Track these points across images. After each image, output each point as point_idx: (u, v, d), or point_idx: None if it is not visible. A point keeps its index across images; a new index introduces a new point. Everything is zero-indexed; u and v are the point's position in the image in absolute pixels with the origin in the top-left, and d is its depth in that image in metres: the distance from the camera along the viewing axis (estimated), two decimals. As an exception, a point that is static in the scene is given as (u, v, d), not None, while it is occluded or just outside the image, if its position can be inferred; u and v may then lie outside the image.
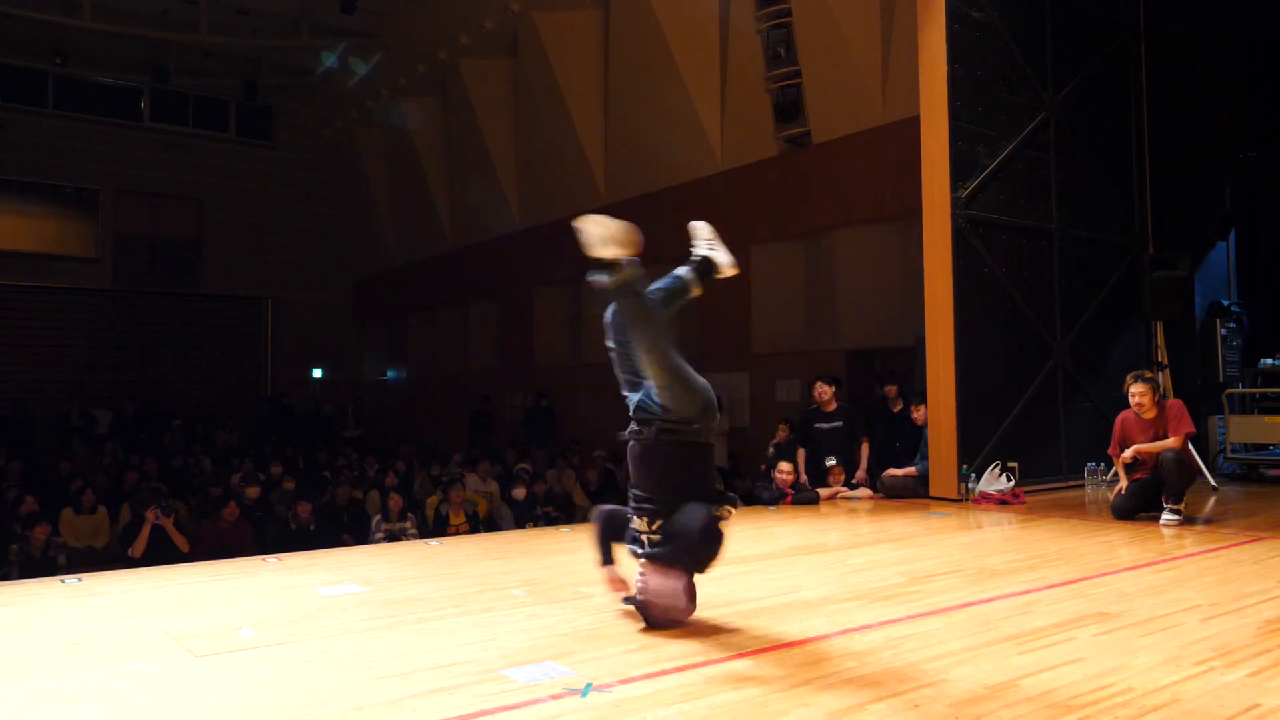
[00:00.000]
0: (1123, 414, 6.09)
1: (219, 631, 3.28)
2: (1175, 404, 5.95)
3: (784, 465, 7.19)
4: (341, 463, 12.04)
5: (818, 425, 7.64)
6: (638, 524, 3.19)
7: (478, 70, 15.35)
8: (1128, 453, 5.93)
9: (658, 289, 3.52)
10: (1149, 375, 6.02)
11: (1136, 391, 5.91)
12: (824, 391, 7.62)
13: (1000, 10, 7.68)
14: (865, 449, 7.63)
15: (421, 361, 19.17)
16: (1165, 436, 5.81)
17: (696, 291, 3.66)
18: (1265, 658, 2.82)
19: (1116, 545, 5.01)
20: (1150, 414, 5.91)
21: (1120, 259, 8.74)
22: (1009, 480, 7.00)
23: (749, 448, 10.88)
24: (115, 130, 17.97)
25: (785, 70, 10.66)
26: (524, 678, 2.65)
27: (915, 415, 7.56)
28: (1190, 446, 6.09)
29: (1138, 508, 5.92)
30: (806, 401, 8.27)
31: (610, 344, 3.45)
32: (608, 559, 3.44)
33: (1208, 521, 5.94)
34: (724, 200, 11.80)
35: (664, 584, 3.15)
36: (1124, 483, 6.03)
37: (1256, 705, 2.42)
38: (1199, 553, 4.74)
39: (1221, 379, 8.90)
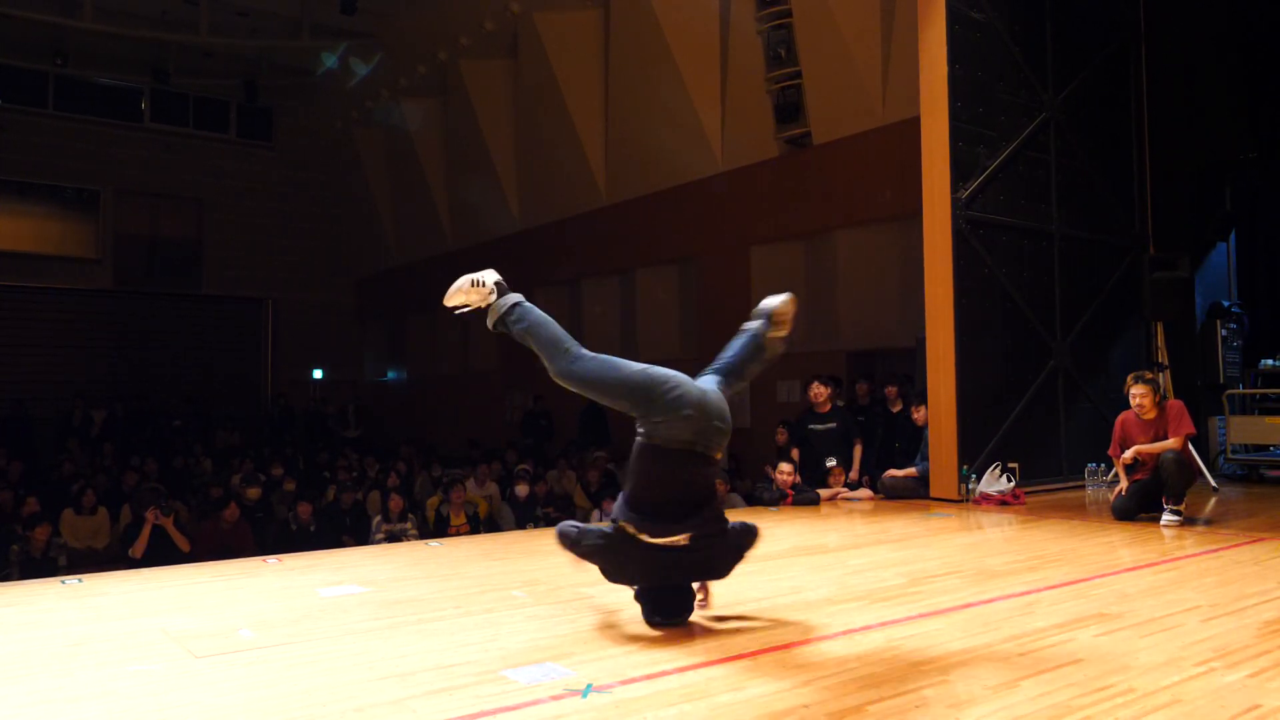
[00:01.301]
0: (1123, 415, 6.09)
1: (220, 632, 3.28)
2: (1176, 405, 5.94)
3: (785, 466, 7.18)
4: (341, 463, 12.04)
5: (812, 426, 7.65)
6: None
7: (478, 70, 15.34)
8: (1128, 453, 5.93)
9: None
10: (1149, 376, 6.02)
11: (1137, 392, 5.91)
12: (820, 392, 7.62)
13: (1000, 10, 7.68)
14: (859, 450, 7.63)
15: (421, 361, 19.16)
16: (1165, 437, 5.81)
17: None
18: (1266, 658, 2.82)
19: (1117, 546, 5.01)
20: (1150, 415, 5.91)
21: (1120, 259, 8.73)
22: (1009, 481, 7.00)
23: (749, 448, 10.88)
24: (115, 130, 17.94)
25: (786, 71, 10.66)
26: (524, 678, 2.66)
27: (915, 416, 7.56)
28: (1190, 447, 6.09)
29: (1138, 508, 5.92)
30: (806, 401, 8.30)
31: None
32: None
33: (1208, 522, 5.94)
34: (724, 200, 11.81)
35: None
36: (1124, 483, 6.03)
37: (1257, 706, 2.42)
38: (1199, 553, 4.74)
39: (1222, 380, 8.90)
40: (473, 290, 3.37)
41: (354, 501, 9.30)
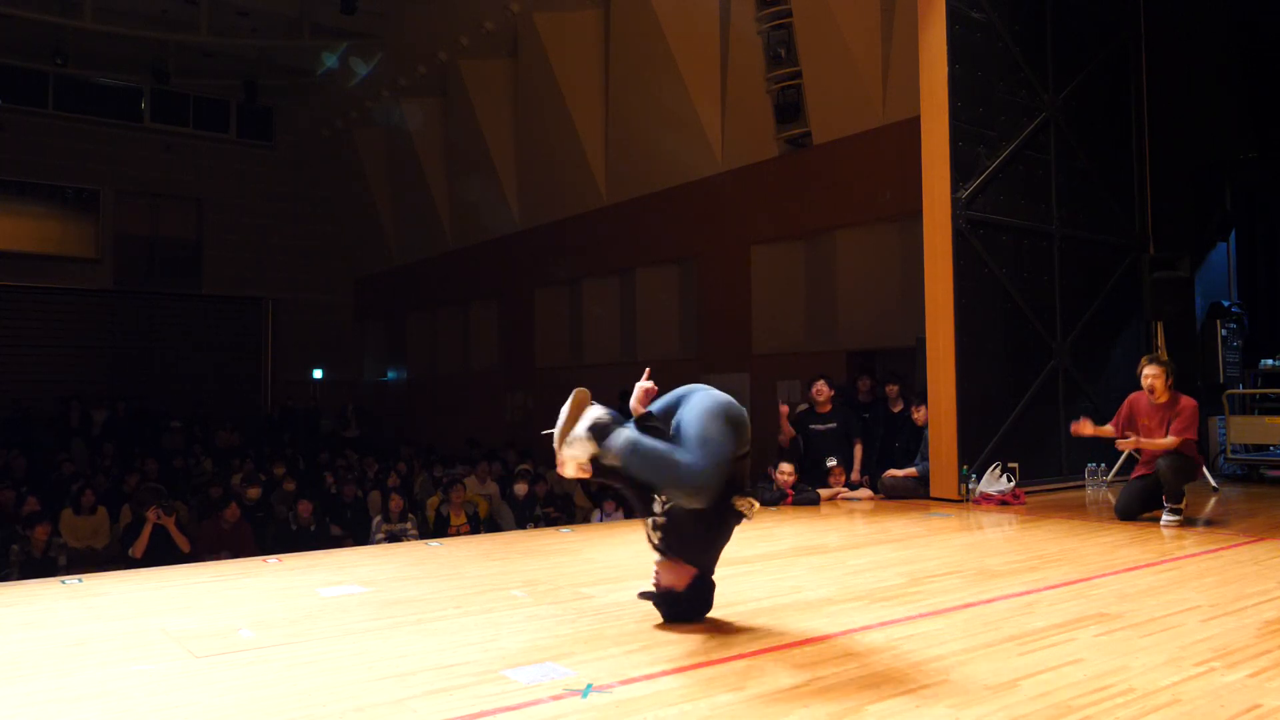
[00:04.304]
0: (1134, 394, 5.96)
1: (219, 632, 3.28)
2: (1190, 404, 5.81)
3: (785, 466, 7.18)
4: (341, 464, 12.04)
5: (813, 426, 7.65)
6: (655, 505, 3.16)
7: (478, 70, 15.34)
8: (1125, 443, 5.87)
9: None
10: (1164, 359, 5.88)
11: (1150, 373, 5.77)
12: (823, 391, 7.62)
13: (1000, 10, 7.68)
14: (859, 450, 7.63)
15: (421, 361, 19.18)
16: (1179, 419, 5.70)
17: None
18: (1266, 658, 2.82)
19: (1117, 546, 5.01)
20: (1162, 399, 5.79)
21: (1120, 259, 8.74)
22: (1009, 481, 7.00)
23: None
24: (115, 130, 17.94)
25: (786, 71, 10.66)
26: (524, 678, 2.66)
27: (915, 416, 7.56)
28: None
29: (1141, 508, 5.90)
30: (807, 399, 8.30)
31: None
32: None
33: (1208, 522, 5.94)
34: (724, 200, 11.82)
35: (675, 578, 3.23)
36: (1121, 443, 5.98)
37: (1257, 706, 2.42)
38: (1199, 553, 4.74)
39: (1222, 380, 8.91)
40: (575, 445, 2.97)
41: (355, 496, 9.32)
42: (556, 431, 2.99)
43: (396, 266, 19.44)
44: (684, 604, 3.25)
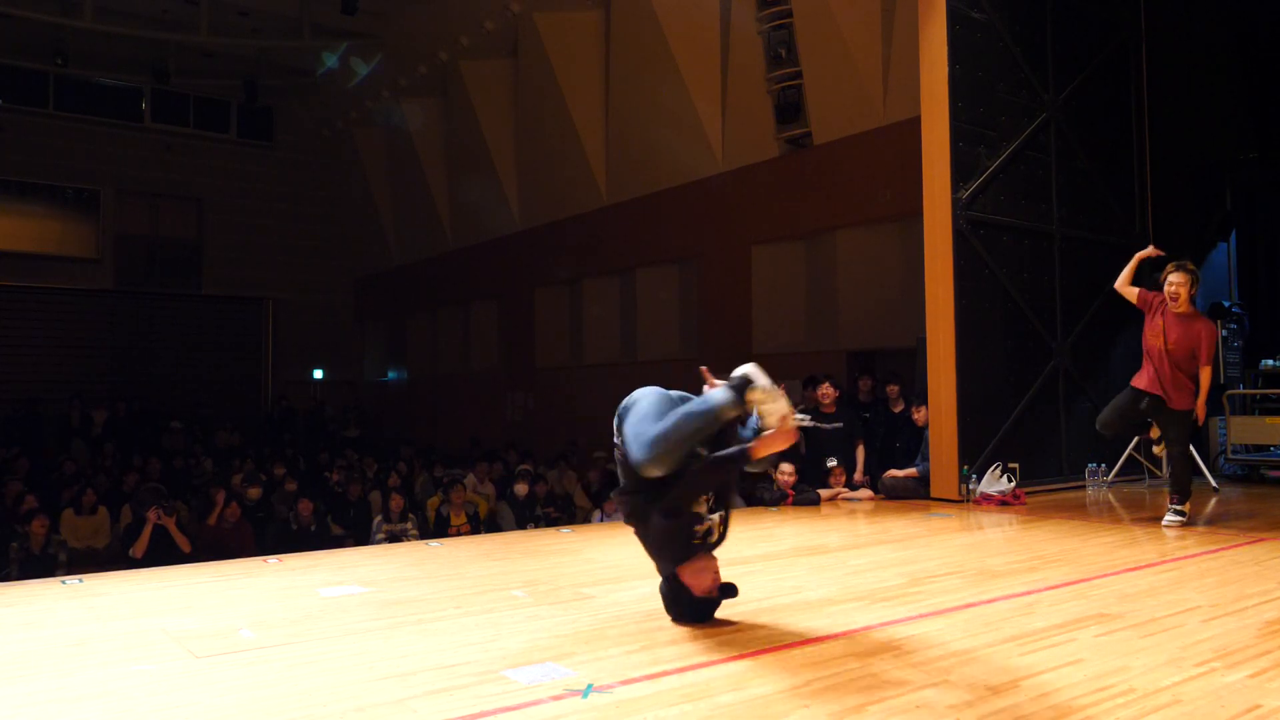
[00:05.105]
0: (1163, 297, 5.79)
1: (220, 632, 3.28)
2: (1211, 330, 5.67)
3: (785, 466, 7.18)
4: (341, 464, 12.03)
5: (818, 425, 7.65)
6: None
7: (478, 70, 15.35)
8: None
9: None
10: (1191, 267, 5.70)
11: (1175, 280, 5.59)
12: (829, 394, 7.63)
13: (1000, 11, 7.68)
14: (861, 450, 7.64)
15: (421, 362, 19.18)
16: (1198, 346, 5.57)
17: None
18: (1266, 659, 2.82)
19: (1117, 546, 5.01)
20: (1183, 309, 5.63)
21: (1120, 259, 8.70)
22: (1010, 481, 7.00)
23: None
24: (115, 130, 17.94)
25: (786, 71, 10.67)
26: (525, 679, 2.66)
27: (916, 416, 7.56)
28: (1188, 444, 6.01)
29: (1123, 430, 5.84)
30: (802, 400, 8.29)
31: None
32: None
33: (1209, 523, 5.94)
34: (724, 200, 11.82)
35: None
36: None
37: (1257, 706, 2.42)
38: (1200, 554, 4.74)
39: (1222, 380, 8.91)
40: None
41: (359, 495, 9.32)
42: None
43: (396, 266, 19.44)
44: (667, 602, 3.29)
